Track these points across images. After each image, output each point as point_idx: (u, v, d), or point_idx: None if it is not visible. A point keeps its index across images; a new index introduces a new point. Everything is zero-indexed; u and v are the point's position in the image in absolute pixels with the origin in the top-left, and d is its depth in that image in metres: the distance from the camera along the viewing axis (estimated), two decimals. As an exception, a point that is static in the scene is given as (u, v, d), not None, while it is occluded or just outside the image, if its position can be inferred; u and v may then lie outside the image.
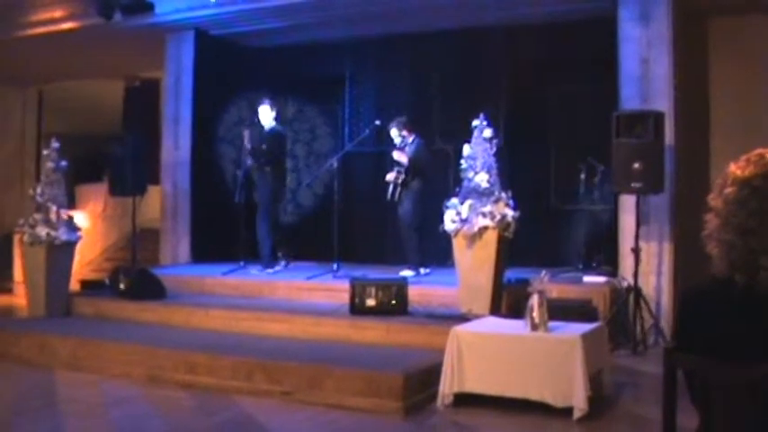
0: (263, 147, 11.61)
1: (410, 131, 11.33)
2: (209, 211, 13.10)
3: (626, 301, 9.56)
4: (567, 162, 11.76)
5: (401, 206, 11.20)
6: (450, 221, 9.04)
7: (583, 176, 11.23)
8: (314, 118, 13.28)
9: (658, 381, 3.20)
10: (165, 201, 13.60)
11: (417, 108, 12.67)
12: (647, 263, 9.96)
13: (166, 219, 13.58)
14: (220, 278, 11.37)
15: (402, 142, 11.26)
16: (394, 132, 11.33)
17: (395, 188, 11.15)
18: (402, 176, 11.11)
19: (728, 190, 3.02)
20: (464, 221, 8.93)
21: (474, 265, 8.95)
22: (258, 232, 11.71)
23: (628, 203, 10.08)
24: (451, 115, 12.42)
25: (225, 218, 12.43)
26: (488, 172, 9.00)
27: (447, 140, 12.37)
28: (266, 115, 11.83)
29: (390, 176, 11.17)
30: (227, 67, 13.59)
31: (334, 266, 11.04)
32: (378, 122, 11.80)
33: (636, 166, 9.38)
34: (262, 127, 11.85)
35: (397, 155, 11.19)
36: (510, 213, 8.90)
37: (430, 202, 10.63)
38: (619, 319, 9.48)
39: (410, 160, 11.07)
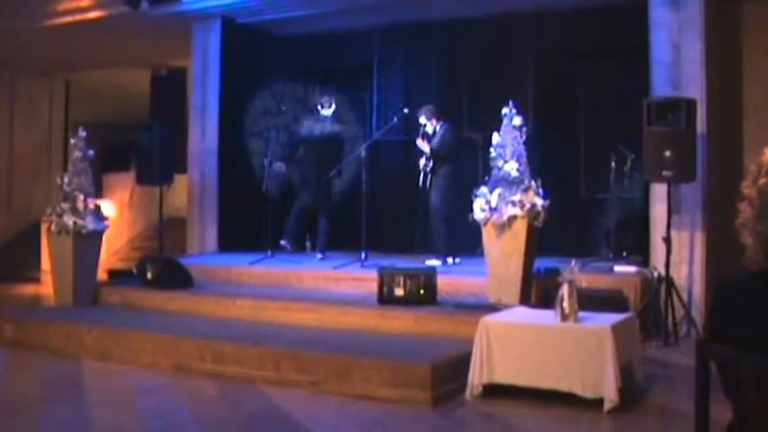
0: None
1: (438, 119, 11.31)
2: (237, 200, 13.12)
3: (657, 292, 9.49)
4: (597, 150, 11.69)
5: (432, 195, 11.20)
6: (479, 210, 9.01)
7: (613, 165, 11.16)
8: (342, 106, 13.24)
9: (690, 373, 3.16)
10: (192, 190, 13.63)
11: (446, 96, 12.64)
12: (679, 252, 9.90)
13: (193, 208, 13.62)
14: (247, 267, 11.39)
15: (431, 130, 11.27)
16: (422, 120, 11.34)
17: (425, 176, 11.16)
18: (430, 164, 11.11)
19: (763, 180, 2.97)
20: (493, 210, 8.90)
21: (503, 254, 8.93)
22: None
23: (659, 192, 10.02)
24: (480, 103, 12.39)
25: (252, 207, 12.45)
26: (518, 160, 8.97)
27: (476, 129, 12.34)
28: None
29: (421, 163, 11.20)
30: (254, 55, 13.60)
31: (362, 256, 11.04)
32: (406, 111, 11.77)
33: (667, 154, 9.31)
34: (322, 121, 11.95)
35: (420, 143, 11.20)
36: (539, 202, 8.86)
37: (459, 190, 10.62)
38: (650, 310, 9.42)
39: (435, 147, 11.07)
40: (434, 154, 11.08)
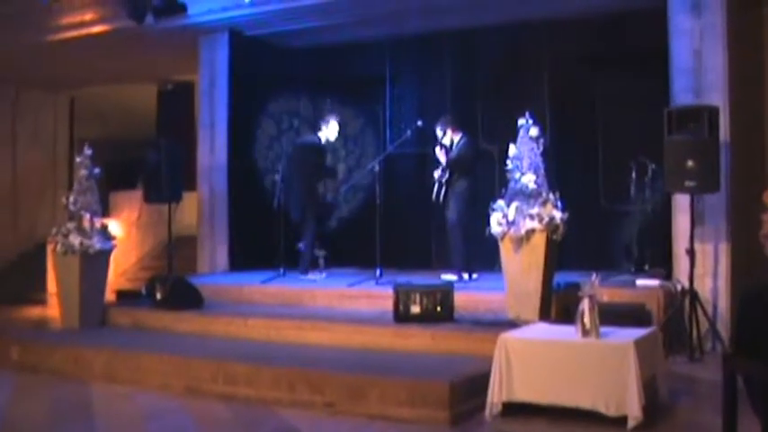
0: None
1: (455, 130, 11.32)
2: (247, 217, 13.16)
3: (681, 305, 9.47)
4: (617, 161, 11.67)
5: (447, 207, 11.21)
6: (496, 224, 9.02)
7: (633, 176, 11.13)
8: (354, 119, 13.29)
9: (717, 388, 3.17)
10: (202, 207, 13.66)
11: (460, 108, 12.67)
12: (703, 265, 9.89)
13: (203, 226, 13.64)
14: (259, 286, 11.41)
15: (449, 141, 11.28)
16: (439, 132, 11.35)
17: (440, 188, 11.16)
18: (446, 175, 11.12)
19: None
20: (511, 224, 8.91)
21: (522, 269, 8.93)
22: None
23: (682, 203, 10.00)
24: (495, 114, 12.44)
25: (263, 224, 12.47)
26: (535, 172, 8.97)
27: (491, 140, 12.35)
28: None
29: (437, 173, 11.20)
30: (263, 68, 13.65)
31: (377, 272, 11.05)
32: (420, 123, 11.77)
33: (690, 163, 9.28)
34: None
35: (438, 152, 11.23)
36: (558, 215, 8.86)
37: (476, 204, 10.64)
38: (674, 324, 9.40)
39: (451, 159, 11.09)
40: (452, 165, 11.10)
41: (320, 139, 12.02)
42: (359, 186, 13.06)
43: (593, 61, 12.09)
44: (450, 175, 11.10)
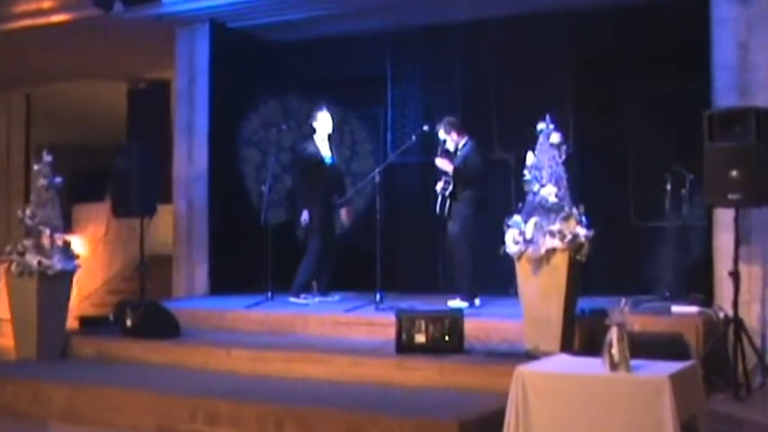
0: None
1: (460, 134, 11.33)
2: (231, 233, 13.23)
3: (724, 335, 9.43)
4: (649, 171, 11.70)
5: (451, 223, 11.26)
6: (512, 243, 9.07)
7: (668, 188, 11.17)
8: (351, 123, 13.36)
9: (766, 430, 3.23)
10: (178, 222, 13.69)
11: (471, 111, 12.72)
12: (749, 289, 9.86)
13: (180, 243, 13.68)
14: (244, 312, 11.46)
15: (453, 146, 11.30)
16: (442, 135, 11.36)
17: (443, 201, 11.19)
18: (450, 187, 11.13)
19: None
20: (529, 242, 8.95)
21: (541, 293, 8.98)
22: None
23: (724, 219, 9.97)
24: (512, 118, 12.42)
25: (248, 242, 12.53)
26: (556, 184, 9.02)
27: (507, 148, 12.42)
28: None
29: (439, 186, 11.22)
30: (249, 64, 13.72)
31: (377, 296, 11.10)
32: (425, 128, 11.79)
33: (733, 173, 9.23)
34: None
35: (439, 162, 11.24)
36: (582, 232, 8.91)
37: (488, 219, 10.68)
38: (715, 357, 9.38)
39: (457, 167, 11.10)
40: (456, 175, 11.12)
41: (318, 149, 12.08)
42: (356, 199, 13.09)
43: (623, 58, 12.11)
44: (454, 187, 11.11)
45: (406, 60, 13.86)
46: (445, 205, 11.17)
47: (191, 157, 13.58)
